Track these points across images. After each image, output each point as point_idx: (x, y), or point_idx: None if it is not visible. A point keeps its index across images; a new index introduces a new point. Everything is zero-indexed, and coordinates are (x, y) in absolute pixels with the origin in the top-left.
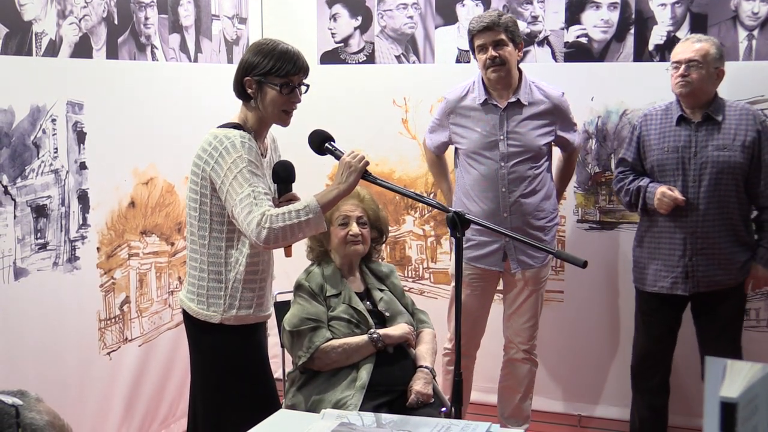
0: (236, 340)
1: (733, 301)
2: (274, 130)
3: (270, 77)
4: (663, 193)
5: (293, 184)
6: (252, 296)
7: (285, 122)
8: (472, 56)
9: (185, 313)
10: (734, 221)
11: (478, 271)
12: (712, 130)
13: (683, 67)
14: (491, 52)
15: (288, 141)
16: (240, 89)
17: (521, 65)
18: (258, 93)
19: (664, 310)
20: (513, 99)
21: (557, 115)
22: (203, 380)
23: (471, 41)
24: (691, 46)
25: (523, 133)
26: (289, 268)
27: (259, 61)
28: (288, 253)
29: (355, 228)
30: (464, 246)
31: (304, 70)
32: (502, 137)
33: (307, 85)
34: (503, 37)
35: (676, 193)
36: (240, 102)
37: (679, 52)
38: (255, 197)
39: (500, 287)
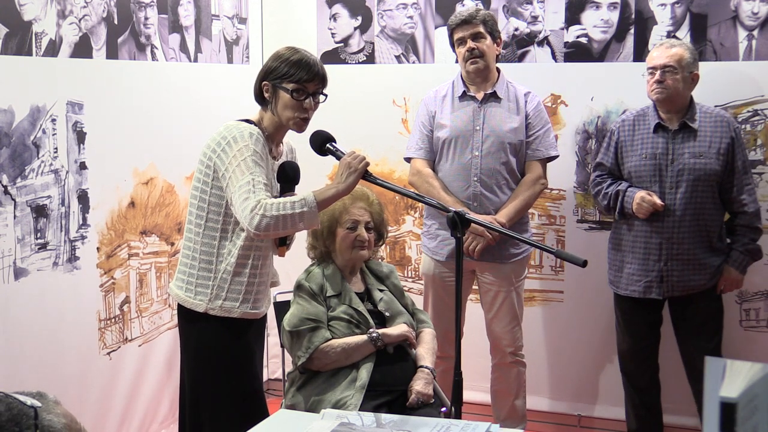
0: (221, 332)
1: (708, 302)
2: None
3: (284, 82)
4: (642, 198)
5: (296, 186)
6: (240, 289)
7: (298, 128)
8: (452, 51)
9: (178, 305)
10: (709, 227)
11: (448, 266)
12: (688, 138)
13: (659, 72)
14: (470, 44)
15: (288, 141)
16: (258, 93)
17: (514, 65)
18: (273, 97)
19: (642, 311)
20: (490, 91)
21: (530, 112)
22: (188, 371)
23: (450, 36)
24: (665, 51)
25: (499, 125)
26: (290, 268)
27: (276, 66)
28: (281, 253)
29: (363, 233)
30: (434, 244)
31: (319, 78)
32: (478, 128)
33: (326, 95)
34: (481, 29)
35: (655, 198)
36: (241, 103)
37: (654, 58)
38: (254, 185)
39: (476, 286)
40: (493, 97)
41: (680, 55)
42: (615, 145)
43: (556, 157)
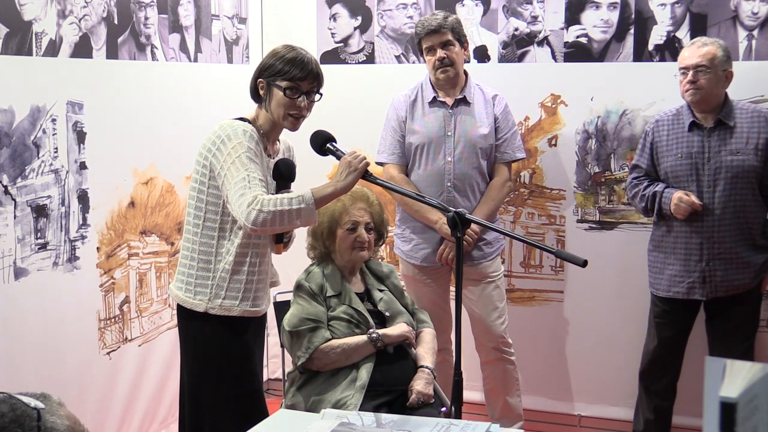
0: (220, 331)
1: (749, 303)
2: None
3: (278, 79)
4: (680, 198)
5: (292, 184)
6: (239, 288)
7: (292, 126)
8: (420, 58)
9: (177, 306)
10: (750, 224)
11: (422, 269)
12: (724, 135)
13: (691, 72)
14: (440, 53)
15: (286, 139)
16: (254, 90)
17: (514, 65)
18: (267, 94)
19: (679, 314)
20: (460, 96)
21: (498, 115)
22: (188, 370)
23: (418, 44)
24: (697, 50)
25: (470, 130)
26: (289, 268)
27: (272, 64)
28: (278, 251)
29: (363, 234)
30: (408, 248)
31: (312, 76)
32: (450, 133)
33: (321, 94)
34: (450, 37)
35: (693, 198)
36: (241, 103)
37: (686, 58)
38: (249, 181)
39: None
40: (463, 102)
41: (713, 54)
42: (650, 146)
43: (522, 159)
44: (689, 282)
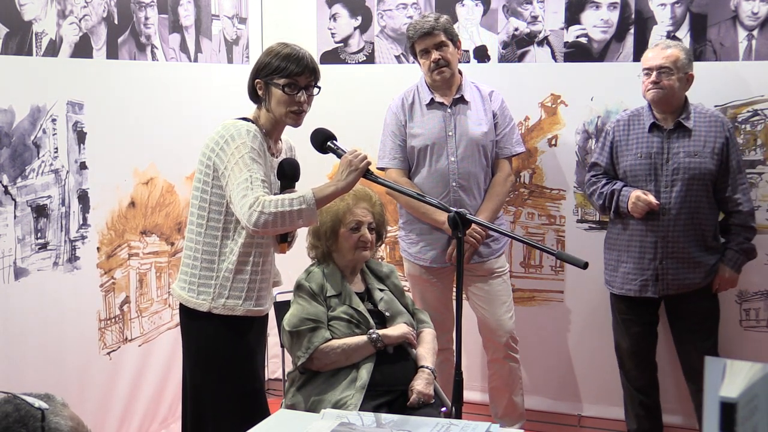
0: (223, 330)
1: (703, 300)
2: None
3: (275, 78)
4: (638, 197)
5: (297, 184)
6: (242, 287)
7: (294, 122)
8: (415, 61)
9: (180, 305)
10: (703, 226)
11: (429, 269)
12: (683, 137)
13: (654, 74)
14: (435, 55)
15: (287, 139)
16: (252, 91)
17: (514, 65)
18: (266, 94)
19: (638, 310)
20: (457, 96)
21: (496, 111)
22: (190, 369)
23: (412, 47)
24: (661, 52)
25: (470, 129)
26: (290, 268)
27: (267, 62)
28: (281, 250)
29: (367, 234)
30: (416, 250)
31: (309, 70)
32: (450, 134)
33: (319, 87)
34: (443, 38)
35: (651, 198)
36: (241, 103)
37: (650, 59)
38: (252, 182)
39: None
40: (461, 101)
41: (676, 56)
42: (610, 145)
43: (521, 152)
44: (642, 280)
